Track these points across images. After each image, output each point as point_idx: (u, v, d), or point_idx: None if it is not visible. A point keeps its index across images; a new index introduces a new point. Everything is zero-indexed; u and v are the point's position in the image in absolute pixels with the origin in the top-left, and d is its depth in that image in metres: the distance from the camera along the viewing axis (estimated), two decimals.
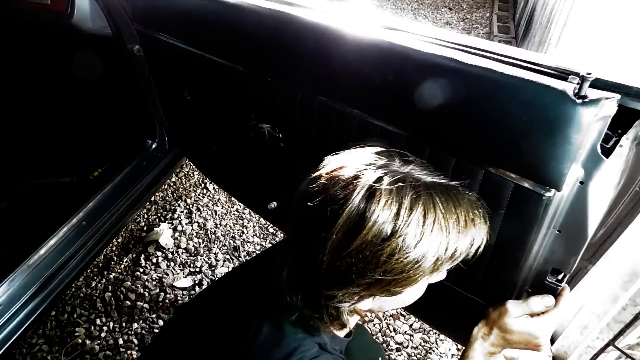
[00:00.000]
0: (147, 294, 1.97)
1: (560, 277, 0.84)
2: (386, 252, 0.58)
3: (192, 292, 1.99)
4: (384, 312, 1.89)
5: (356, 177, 0.61)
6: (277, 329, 0.73)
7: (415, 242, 0.59)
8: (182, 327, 0.95)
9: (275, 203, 1.15)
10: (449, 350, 1.78)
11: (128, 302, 1.93)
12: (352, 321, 0.77)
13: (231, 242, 2.22)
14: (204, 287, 2.01)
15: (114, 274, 2.06)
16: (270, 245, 2.21)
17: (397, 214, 0.58)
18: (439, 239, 0.60)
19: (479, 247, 0.67)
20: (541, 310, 0.82)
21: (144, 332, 1.83)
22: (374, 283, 0.62)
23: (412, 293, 0.72)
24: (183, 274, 2.07)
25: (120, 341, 1.80)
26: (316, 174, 0.66)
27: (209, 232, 2.27)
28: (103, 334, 1.83)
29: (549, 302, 0.83)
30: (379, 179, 0.60)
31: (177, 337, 0.92)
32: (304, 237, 0.66)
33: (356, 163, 0.64)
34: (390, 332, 1.83)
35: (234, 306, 0.83)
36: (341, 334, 0.82)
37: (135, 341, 1.81)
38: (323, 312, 0.69)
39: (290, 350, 0.70)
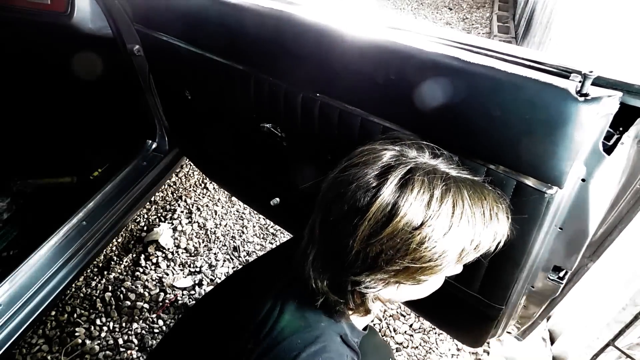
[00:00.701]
0: (147, 294, 1.97)
1: (561, 274, 0.84)
2: (416, 240, 0.60)
3: (192, 292, 1.99)
4: (384, 312, 1.89)
5: (389, 166, 0.63)
6: (299, 315, 0.74)
7: (444, 232, 0.61)
8: (196, 320, 0.95)
9: (278, 199, 1.16)
10: (449, 350, 1.78)
11: (128, 302, 1.93)
12: (375, 308, 0.78)
13: (231, 242, 2.22)
14: (204, 287, 2.01)
15: (114, 274, 2.05)
16: (270, 245, 2.21)
17: (428, 204, 0.60)
18: (465, 230, 0.62)
19: (500, 242, 0.69)
20: None
21: (144, 332, 1.83)
22: (401, 270, 0.64)
23: (433, 283, 0.73)
24: (183, 274, 2.07)
25: (120, 341, 1.80)
26: (348, 162, 0.68)
27: (209, 232, 2.26)
28: (103, 334, 1.82)
29: None
30: (411, 170, 0.62)
31: (193, 330, 0.92)
32: (334, 223, 0.67)
33: (388, 153, 0.65)
34: (390, 332, 1.83)
35: (251, 294, 0.83)
36: (361, 325, 0.83)
37: (135, 341, 1.80)
38: (349, 298, 0.71)
39: (313, 338, 0.71)
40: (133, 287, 1.99)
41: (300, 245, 0.75)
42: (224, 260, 2.13)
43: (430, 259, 0.62)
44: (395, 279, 0.66)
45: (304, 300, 0.74)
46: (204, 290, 2.00)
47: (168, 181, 2.52)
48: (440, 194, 0.60)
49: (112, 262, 2.11)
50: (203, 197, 2.47)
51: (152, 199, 2.42)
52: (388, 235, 0.61)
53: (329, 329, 0.74)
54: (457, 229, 0.61)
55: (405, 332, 1.84)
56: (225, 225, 2.30)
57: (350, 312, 0.75)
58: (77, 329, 1.83)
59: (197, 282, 2.03)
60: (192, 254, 2.16)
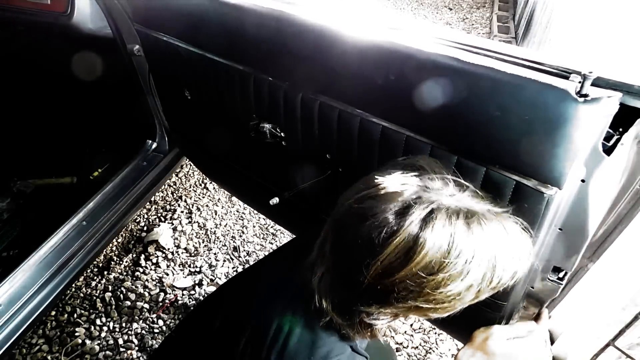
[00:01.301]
0: (147, 294, 1.97)
1: (561, 275, 0.84)
2: (431, 285, 0.58)
3: (192, 292, 1.99)
4: None
5: (409, 206, 0.58)
6: (309, 332, 0.73)
7: (461, 277, 0.58)
8: (199, 322, 0.94)
9: (277, 199, 1.16)
10: (449, 350, 1.78)
11: (128, 302, 1.93)
12: (381, 333, 0.76)
13: (231, 242, 2.22)
14: (204, 287, 2.01)
15: (114, 274, 2.05)
16: (270, 245, 2.21)
17: (447, 250, 0.56)
18: (484, 273, 0.59)
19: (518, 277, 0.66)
20: (524, 334, 0.85)
21: (144, 332, 1.83)
22: (412, 308, 0.62)
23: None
24: (183, 274, 2.07)
25: (120, 341, 1.80)
26: (366, 192, 0.63)
27: (209, 232, 2.26)
28: (103, 334, 1.82)
29: (532, 327, 0.87)
30: (432, 212, 0.58)
31: (196, 332, 0.91)
32: (346, 254, 0.64)
33: (410, 190, 0.61)
34: (390, 332, 1.83)
35: (257, 301, 0.83)
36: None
37: (135, 341, 1.80)
38: (355, 323, 0.69)
39: (325, 353, 0.70)
40: (133, 287, 1.99)
41: (309, 257, 0.73)
42: (224, 260, 2.13)
43: (444, 301, 0.60)
44: (405, 313, 0.64)
45: (312, 317, 0.72)
46: (204, 290, 2.00)
47: (168, 181, 2.52)
48: (461, 239, 0.57)
49: (112, 262, 2.11)
50: (203, 197, 2.47)
51: (152, 199, 2.42)
52: (401, 278, 0.58)
53: (340, 342, 0.73)
54: (475, 273, 0.58)
55: (405, 332, 1.84)
56: (225, 225, 2.30)
57: (355, 335, 0.73)
58: (77, 329, 1.83)
59: (197, 282, 2.03)
60: (192, 254, 2.16)
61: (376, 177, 0.64)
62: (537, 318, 0.92)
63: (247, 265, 2.12)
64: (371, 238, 0.58)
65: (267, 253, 2.17)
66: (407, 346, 1.79)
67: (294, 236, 1.97)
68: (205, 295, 1.98)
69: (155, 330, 1.84)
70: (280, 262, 0.94)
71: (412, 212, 0.57)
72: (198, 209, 2.39)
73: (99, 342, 1.80)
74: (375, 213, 0.59)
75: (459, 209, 0.59)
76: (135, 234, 2.26)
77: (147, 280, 2.03)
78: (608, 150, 0.67)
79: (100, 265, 2.10)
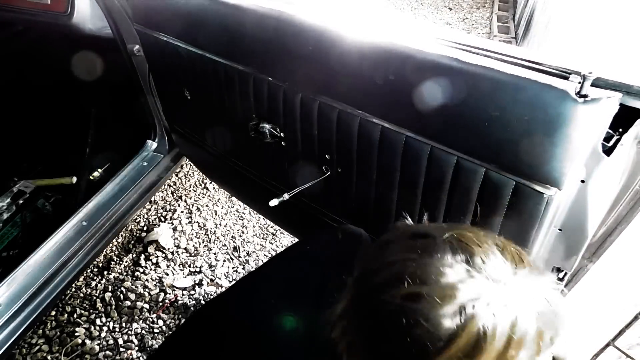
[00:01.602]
0: (147, 294, 1.97)
1: (560, 275, 0.84)
2: None
3: (192, 292, 1.99)
4: None
5: (465, 307, 0.53)
6: None
7: None
8: (201, 328, 0.91)
9: (277, 200, 1.16)
10: None
11: (128, 302, 1.93)
12: None
13: (231, 242, 2.22)
14: (204, 287, 2.01)
15: (114, 274, 2.05)
16: (270, 245, 2.21)
17: (505, 350, 0.53)
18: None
19: None
20: None
21: (144, 332, 1.83)
22: None
23: None
24: (183, 274, 2.07)
25: (120, 341, 1.80)
26: (411, 289, 0.55)
27: (209, 232, 2.26)
28: (103, 334, 1.82)
29: None
30: (493, 315, 0.52)
31: (197, 337, 0.89)
32: (387, 353, 0.58)
33: (465, 287, 0.54)
34: None
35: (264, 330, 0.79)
36: None
37: (135, 341, 1.81)
38: None
39: None
40: (133, 287, 1.99)
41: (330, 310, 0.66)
42: (224, 260, 2.13)
43: None
44: None
45: None
46: (204, 290, 2.00)
47: (168, 181, 2.52)
48: (517, 340, 0.53)
49: (112, 262, 2.11)
50: (203, 197, 2.47)
51: (152, 199, 2.42)
52: None
53: None
54: None
55: None
56: (225, 225, 2.30)
57: None
58: (77, 329, 1.83)
59: (197, 282, 2.03)
60: (192, 254, 2.16)
61: (430, 273, 0.56)
62: None
63: (247, 266, 2.12)
64: (425, 345, 0.53)
65: (267, 253, 2.17)
66: None
67: (293, 237, 1.96)
68: (205, 295, 1.98)
69: (155, 330, 1.84)
70: (289, 271, 0.89)
71: (470, 316, 0.52)
72: (198, 209, 2.39)
73: (99, 342, 1.80)
74: (428, 317, 0.53)
75: (516, 301, 0.54)
76: (135, 234, 2.26)
77: (147, 280, 2.03)
78: (608, 151, 0.67)
79: (100, 265, 2.10)
